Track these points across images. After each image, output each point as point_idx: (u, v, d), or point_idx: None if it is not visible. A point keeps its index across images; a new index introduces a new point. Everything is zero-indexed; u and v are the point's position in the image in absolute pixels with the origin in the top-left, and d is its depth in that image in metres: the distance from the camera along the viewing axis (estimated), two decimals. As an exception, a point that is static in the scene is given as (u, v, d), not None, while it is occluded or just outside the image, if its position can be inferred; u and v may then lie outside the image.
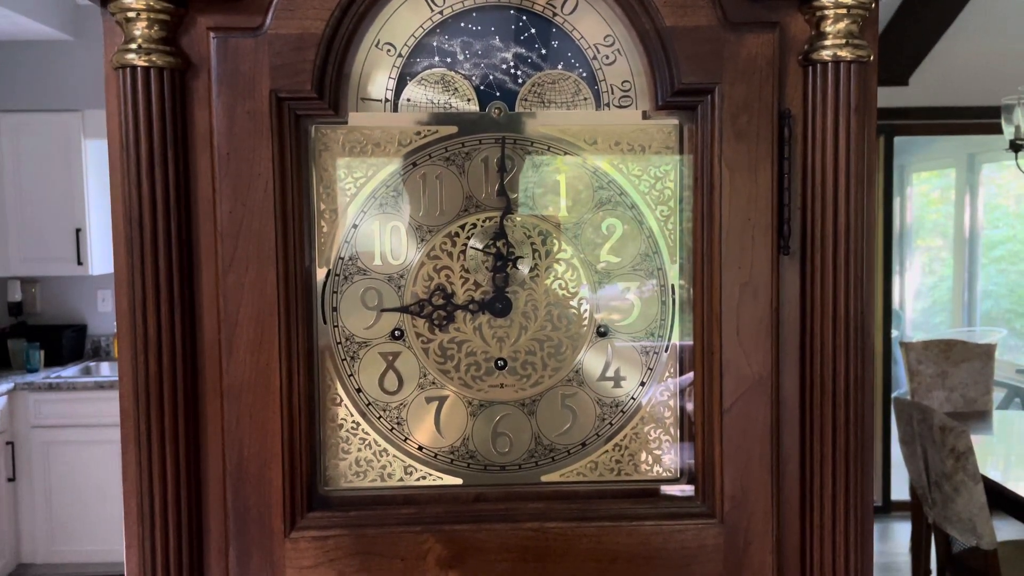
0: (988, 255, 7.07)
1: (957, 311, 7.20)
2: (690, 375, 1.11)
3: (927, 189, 7.85)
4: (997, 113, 4.14)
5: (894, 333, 5.74)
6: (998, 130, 4.17)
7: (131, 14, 0.96)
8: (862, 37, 1.01)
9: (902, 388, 5.12)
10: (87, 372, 4.75)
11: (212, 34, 1.01)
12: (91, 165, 4.61)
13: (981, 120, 4.98)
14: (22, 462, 4.31)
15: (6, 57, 4.79)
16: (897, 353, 5.17)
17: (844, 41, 1.00)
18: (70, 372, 4.62)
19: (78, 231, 4.58)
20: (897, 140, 5.38)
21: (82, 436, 4.31)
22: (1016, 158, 4.05)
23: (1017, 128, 4.00)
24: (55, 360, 4.74)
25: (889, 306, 5.44)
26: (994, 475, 3.42)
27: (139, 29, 0.97)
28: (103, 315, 4.98)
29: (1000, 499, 3.32)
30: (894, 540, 4.99)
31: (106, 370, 4.78)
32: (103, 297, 4.97)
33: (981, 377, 4.53)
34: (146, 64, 0.97)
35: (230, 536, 1.04)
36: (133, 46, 0.97)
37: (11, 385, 4.29)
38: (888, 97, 5.10)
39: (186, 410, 1.02)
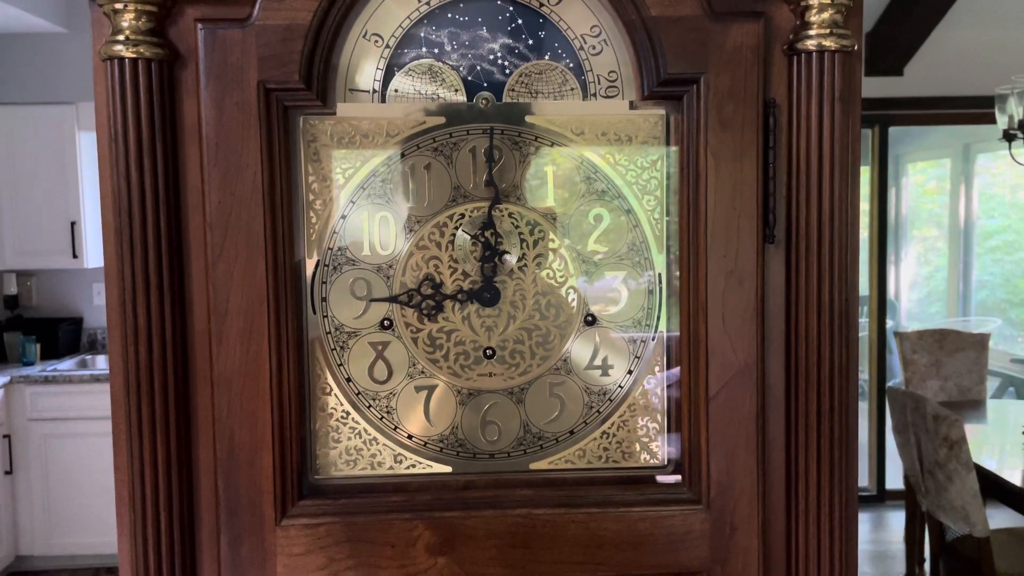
0: (983, 245, 7.09)
1: (952, 301, 7.22)
2: (677, 369, 1.12)
3: (922, 179, 7.86)
4: (992, 103, 4.14)
5: (889, 323, 5.76)
6: (993, 120, 4.17)
7: (119, 5, 0.97)
8: (846, 27, 1.02)
9: (897, 378, 5.14)
10: (83, 365, 4.75)
11: (200, 25, 1.01)
12: (86, 158, 4.60)
13: (976, 110, 4.98)
14: (19, 455, 4.32)
15: (-1, 50, 4.78)
16: (892, 342, 5.19)
17: (828, 31, 1.01)
18: (66, 365, 4.62)
19: (73, 224, 4.58)
20: (892, 130, 5.38)
21: (79, 429, 4.32)
22: (1010, 148, 4.06)
23: (1010, 118, 4.01)
24: (51, 353, 4.74)
25: (884, 296, 5.46)
26: (988, 464, 3.44)
27: (127, 20, 0.98)
28: (99, 308, 4.98)
29: (993, 487, 3.34)
30: (888, 528, 5.01)
31: (102, 363, 4.77)
32: (99, 290, 4.96)
33: (975, 366, 4.54)
34: (134, 55, 0.98)
35: (221, 524, 1.05)
36: (121, 37, 0.98)
37: (7, 378, 4.30)
38: (883, 87, 5.11)
39: (177, 399, 1.02)
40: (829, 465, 1.04)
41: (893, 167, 6.40)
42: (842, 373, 1.04)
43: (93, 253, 4.64)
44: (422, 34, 1.08)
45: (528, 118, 1.10)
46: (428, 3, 1.08)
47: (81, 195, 4.58)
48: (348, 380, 1.12)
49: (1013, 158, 4.07)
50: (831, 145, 1.02)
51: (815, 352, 1.04)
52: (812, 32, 1.01)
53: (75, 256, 4.61)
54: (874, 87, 5.14)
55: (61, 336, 4.80)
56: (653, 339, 1.14)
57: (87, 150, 4.60)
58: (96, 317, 5.00)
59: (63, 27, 4.63)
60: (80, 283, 4.96)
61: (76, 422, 4.32)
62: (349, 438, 1.12)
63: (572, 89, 1.10)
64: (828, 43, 1.01)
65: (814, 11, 1.01)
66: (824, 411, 1.04)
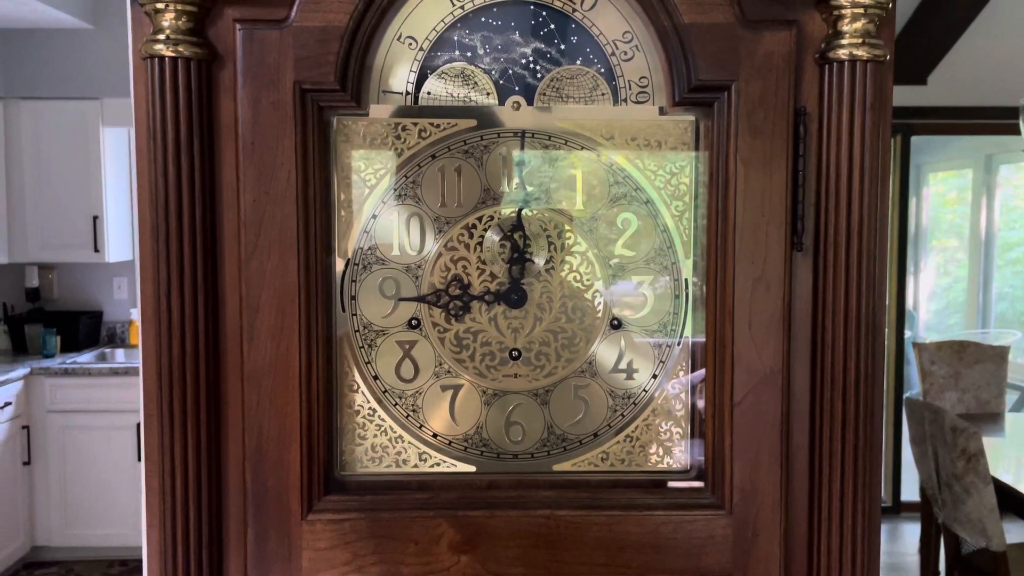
0: (1004, 257, 7.03)
1: (971, 313, 7.16)
2: (702, 371, 1.13)
3: (943, 189, 7.81)
4: (1015, 114, 4.11)
5: (907, 334, 5.72)
6: (1016, 131, 4.14)
7: (160, 5, 0.99)
8: (878, 36, 1.02)
9: (914, 389, 5.11)
10: (102, 358, 4.80)
11: (238, 26, 1.03)
12: (109, 153, 4.65)
13: (999, 120, 4.94)
14: (37, 446, 4.36)
15: (26, 45, 4.84)
16: (910, 353, 5.16)
17: (861, 40, 1.01)
18: (86, 358, 4.67)
19: (95, 218, 4.63)
20: (914, 140, 5.35)
21: (97, 421, 4.36)
22: (1033, 159, 4.03)
23: (1035, 129, 3.97)
24: (71, 346, 4.80)
25: (903, 307, 5.42)
26: (1005, 477, 3.41)
27: (167, 20, 0.99)
28: (119, 302, 5.03)
29: (1010, 501, 3.31)
30: (903, 540, 4.98)
31: (121, 356, 4.83)
32: (119, 284, 5.02)
33: (994, 379, 4.51)
34: (173, 55, 0.99)
35: (248, 517, 1.06)
36: (161, 37, 0.99)
37: (27, 370, 4.35)
38: (906, 96, 5.08)
39: (208, 393, 1.04)
40: (853, 474, 1.04)
41: (915, 177, 6.35)
42: (867, 382, 1.04)
43: (114, 247, 4.70)
44: (456, 37, 1.09)
45: (558, 122, 1.11)
46: (462, 7, 1.09)
47: (104, 190, 4.63)
48: (375, 378, 1.13)
49: (1037, 170, 4.04)
50: (861, 154, 1.02)
51: (841, 360, 1.04)
52: (844, 41, 1.01)
53: (96, 250, 4.65)
54: (897, 96, 5.11)
55: (81, 329, 4.85)
56: (678, 344, 1.14)
57: (111, 146, 4.66)
58: (116, 311, 5.05)
59: (89, 23, 4.69)
60: (101, 277, 5.01)
61: (94, 414, 4.36)
62: (375, 435, 1.14)
63: (603, 94, 1.10)
64: (860, 52, 1.01)
65: (847, 20, 1.01)
66: (849, 419, 1.04)
